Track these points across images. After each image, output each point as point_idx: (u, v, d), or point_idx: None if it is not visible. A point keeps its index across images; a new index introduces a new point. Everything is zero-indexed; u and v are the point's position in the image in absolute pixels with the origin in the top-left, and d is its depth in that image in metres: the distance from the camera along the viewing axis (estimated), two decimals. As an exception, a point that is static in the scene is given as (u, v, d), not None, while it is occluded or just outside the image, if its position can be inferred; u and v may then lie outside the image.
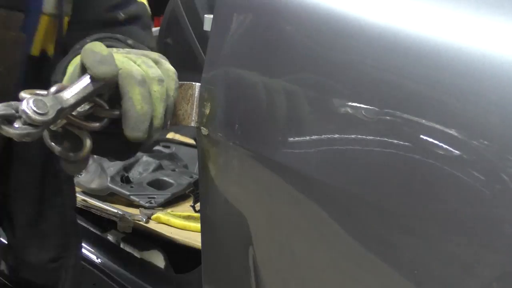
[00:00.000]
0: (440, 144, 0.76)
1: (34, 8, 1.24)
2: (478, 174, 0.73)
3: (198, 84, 1.01)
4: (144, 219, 1.80)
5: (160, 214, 1.81)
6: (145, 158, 2.08)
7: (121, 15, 1.26)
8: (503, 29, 0.76)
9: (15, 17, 1.22)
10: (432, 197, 0.77)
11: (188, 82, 1.00)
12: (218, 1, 1.01)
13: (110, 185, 1.92)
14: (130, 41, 1.10)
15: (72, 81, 0.89)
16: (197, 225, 1.77)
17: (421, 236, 0.79)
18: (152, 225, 1.80)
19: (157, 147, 2.22)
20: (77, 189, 1.67)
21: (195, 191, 1.91)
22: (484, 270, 0.73)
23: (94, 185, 1.94)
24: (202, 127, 1.03)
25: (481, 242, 0.74)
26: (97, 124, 0.90)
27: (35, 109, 0.82)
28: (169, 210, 1.87)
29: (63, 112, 0.85)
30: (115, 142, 0.95)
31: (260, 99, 0.96)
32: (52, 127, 0.88)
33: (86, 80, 0.86)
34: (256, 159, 0.96)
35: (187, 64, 2.32)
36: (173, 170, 2.08)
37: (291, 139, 0.92)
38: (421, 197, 0.78)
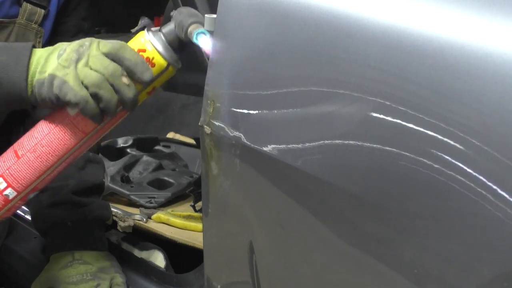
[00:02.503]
0: (441, 144, 0.76)
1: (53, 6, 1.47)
2: (478, 174, 0.73)
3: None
4: (144, 219, 1.80)
5: (160, 214, 1.81)
6: (145, 158, 2.08)
7: None
8: (506, 28, 0.76)
9: (38, 12, 1.43)
10: (432, 197, 0.77)
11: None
12: (221, 0, 1.01)
13: (110, 184, 1.92)
14: None
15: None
16: (198, 225, 1.77)
17: (421, 236, 0.79)
18: (152, 224, 1.80)
19: (157, 147, 2.22)
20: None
21: (195, 191, 1.91)
22: (484, 270, 0.74)
23: (94, 184, 1.94)
24: (205, 126, 1.03)
25: (481, 242, 0.74)
26: None
27: None
28: (169, 210, 1.87)
29: None
30: None
31: (263, 98, 0.96)
32: None
33: None
34: (259, 158, 0.96)
35: (187, 64, 2.32)
36: (173, 170, 2.08)
37: (294, 138, 0.92)
38: (421, 197, 0.79)
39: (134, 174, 2.03)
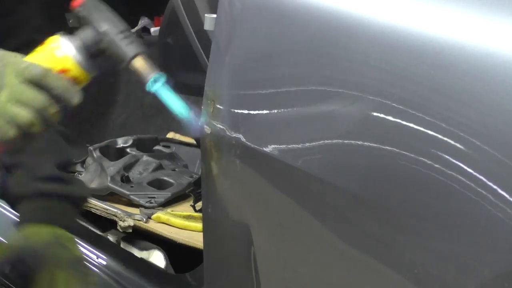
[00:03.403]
0: (441, 144, 0.76)
1: None
2: (478, 174, 0.73)
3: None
4: (144, 219, 1.80)
5: (160, 214, 1.81)
6: (145, 158, 2.08)
7: None
8: (506, 28, 0.76)
9: None
10: (432, 197, 0.77)
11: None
12: (221, 0, 1.01)
13: (110, 184, 1.92)
14: None
15: None
16: (197, 225, 1.77)
17: (421, 236, 0.79)
18: (152, 224, 1.80)
19: (157, 147, 2.22)
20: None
21: (195, 191, 1.91)
22: (484, 270, 0.73)
23: (94, 184, 1.94)
24: (205, 126, 1.03)
25: (481, 242, 0.74)
26: None
27: None
28: (169, 210, 1.87)
29: None
30: None
31: (263, 98, 0.96)
32: None
33: None
34: (259, 158, 0.96)
35: (187, 64, 2.32)
36: (173, 170, 2.07)
37: (294, 138, 0.92)
38: (421, 197, 0.79)
39: (134, 174, 2.03)
